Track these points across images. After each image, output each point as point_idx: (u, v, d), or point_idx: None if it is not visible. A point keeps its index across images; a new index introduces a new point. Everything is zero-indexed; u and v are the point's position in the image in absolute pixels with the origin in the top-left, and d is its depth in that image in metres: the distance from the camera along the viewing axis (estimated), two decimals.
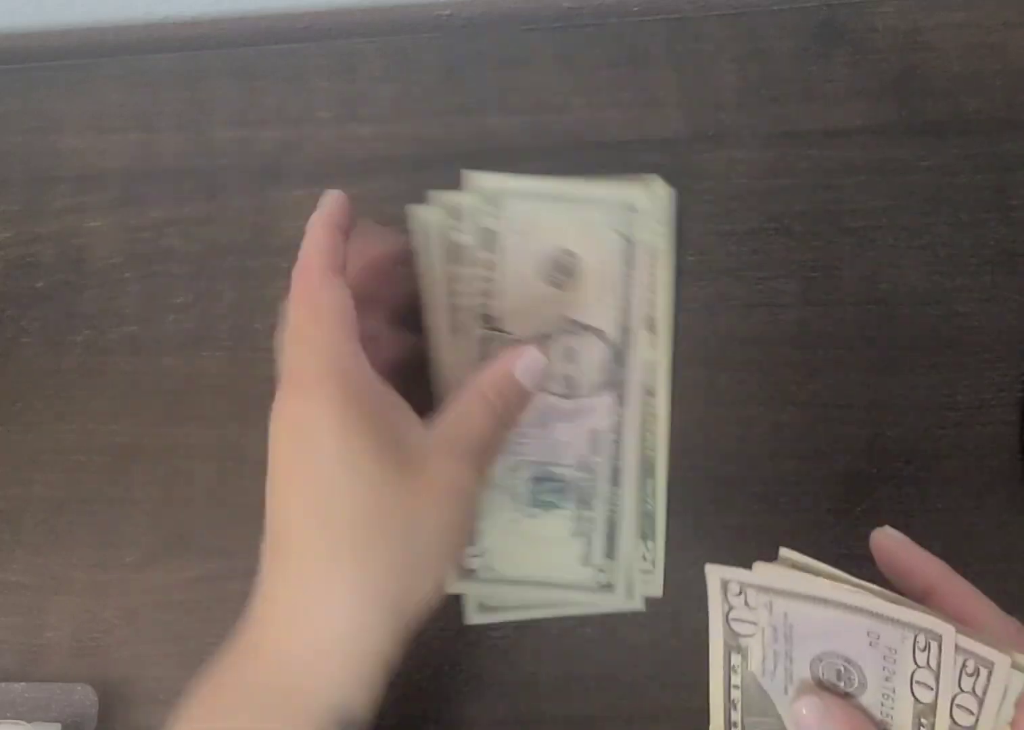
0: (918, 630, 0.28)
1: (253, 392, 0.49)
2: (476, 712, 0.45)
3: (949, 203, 0.48)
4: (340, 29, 0.56)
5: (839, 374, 0.47)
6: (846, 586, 0.29)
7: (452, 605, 0.45)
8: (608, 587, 0.44)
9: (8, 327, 0.50)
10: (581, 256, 0.46)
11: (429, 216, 0.45)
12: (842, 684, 0.30)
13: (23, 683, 0.45)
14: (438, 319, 0.45)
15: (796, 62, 0.50)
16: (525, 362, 0.37)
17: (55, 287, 0.51)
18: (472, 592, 0.44)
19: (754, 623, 0.31)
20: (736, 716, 0.32)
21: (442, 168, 0.50)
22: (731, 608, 0.31)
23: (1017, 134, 0.49)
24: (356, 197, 0.50)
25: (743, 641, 0.31)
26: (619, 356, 0.46)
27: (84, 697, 0.45)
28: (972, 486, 0.46)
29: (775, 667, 0.31)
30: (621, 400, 0.45)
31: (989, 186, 0.48)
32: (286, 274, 0.50)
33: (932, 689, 0.28)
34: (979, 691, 0.27)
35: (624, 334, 0.46)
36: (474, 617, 0.45)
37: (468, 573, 0.44)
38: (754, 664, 0.31)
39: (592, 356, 0.45)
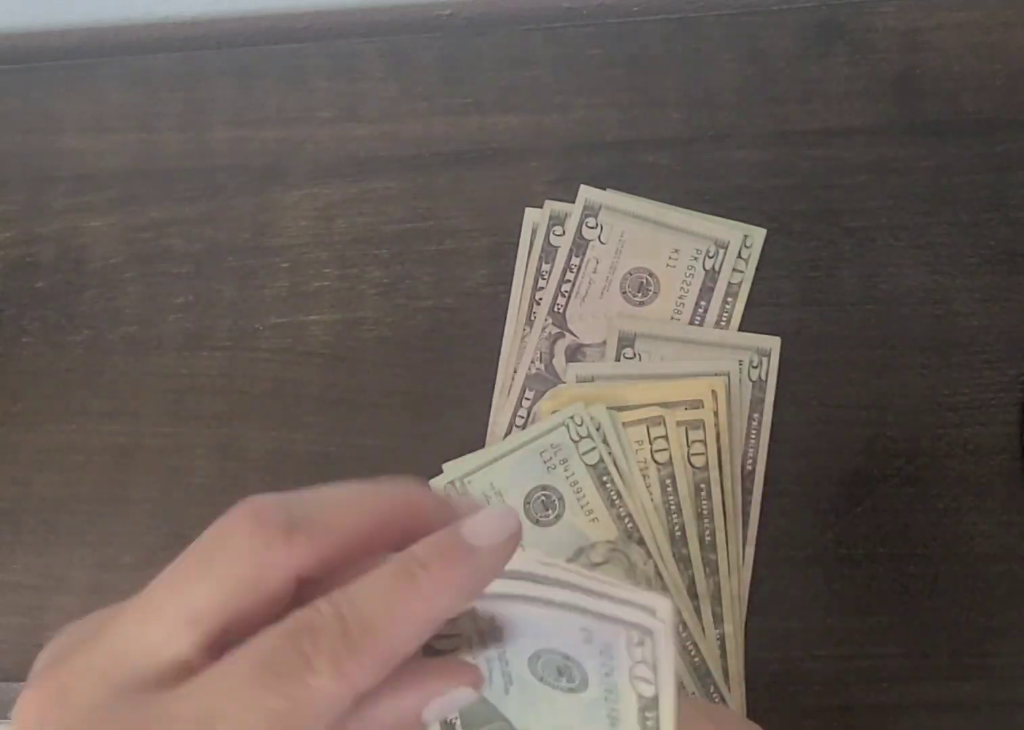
0: (630, 626, 0.25)
1: (253, 392, 0.49)
2: None
3: (949, 203, 0.48)
4: (340, 29, 0.56)
5: (839, 374, 0.47)
6: (549, 583, 0.25)
7: None
8: None
9: (8, 327, 0.50)
10: (661, 280, 0.48)
11: (535, 217, 0.49)
12: (564, 680, 0.28)
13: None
14: (516, 307, 0.49)
15: (796, 62, 0.50)
16: (482, 519, 0.24)
17: (55, 287, 0.51)
18: None
19: (457, 635, 0.26)
20: None
21: (442, 168, 0.50)
22: None
23: (1017, 134, 0.49)
24: (356, 197, 0.51)
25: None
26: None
27: None
28: (972, 486, 0.46)
29: (490, 673, 0.27)
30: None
31: (989, 186, 0.48)
32: (286, 274, 0.51)
33: (652, 684, 0.26)
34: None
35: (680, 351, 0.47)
36: None
37: None
38: None
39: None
